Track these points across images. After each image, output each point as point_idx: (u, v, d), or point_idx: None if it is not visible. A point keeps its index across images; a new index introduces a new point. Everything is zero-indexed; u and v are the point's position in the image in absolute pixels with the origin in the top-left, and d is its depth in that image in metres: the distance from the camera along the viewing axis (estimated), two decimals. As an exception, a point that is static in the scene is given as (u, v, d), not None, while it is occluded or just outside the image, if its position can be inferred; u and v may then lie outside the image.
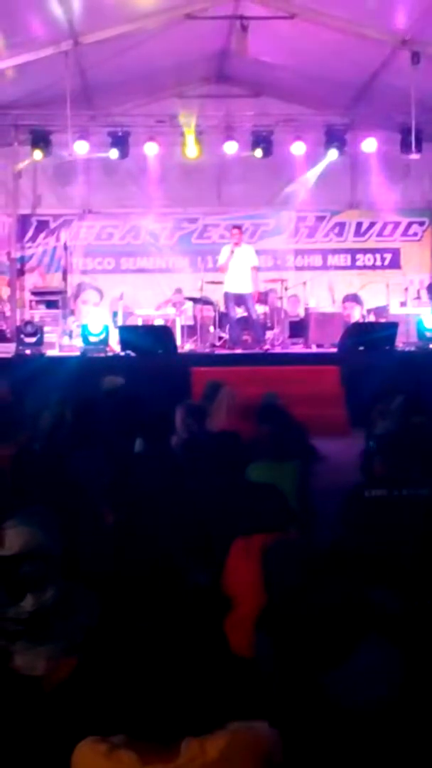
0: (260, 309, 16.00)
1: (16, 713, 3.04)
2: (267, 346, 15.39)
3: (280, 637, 3.64)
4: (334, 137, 17.48)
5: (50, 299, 16.83)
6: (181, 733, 2.43)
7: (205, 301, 16.26)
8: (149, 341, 14.27)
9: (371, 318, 16.87)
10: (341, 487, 6.10)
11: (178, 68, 16.29)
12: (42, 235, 18.56)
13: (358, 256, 18.99)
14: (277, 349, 15.41)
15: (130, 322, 16.74)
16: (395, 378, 10.91)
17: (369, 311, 17.34)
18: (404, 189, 18.24)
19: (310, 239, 18.97)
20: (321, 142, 17.58)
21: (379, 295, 17.54)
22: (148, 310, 17.19)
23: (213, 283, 16.11)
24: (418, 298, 17.66)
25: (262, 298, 16.25)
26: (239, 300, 15.21)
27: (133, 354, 14.22)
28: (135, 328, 15.94)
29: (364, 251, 18.99)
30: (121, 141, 17.23)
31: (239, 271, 15.03)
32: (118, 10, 13.17)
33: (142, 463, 6.23)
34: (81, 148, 16.69)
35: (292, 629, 3.30)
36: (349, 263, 19.00)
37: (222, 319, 15.95)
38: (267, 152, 17.40)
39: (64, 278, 17.77)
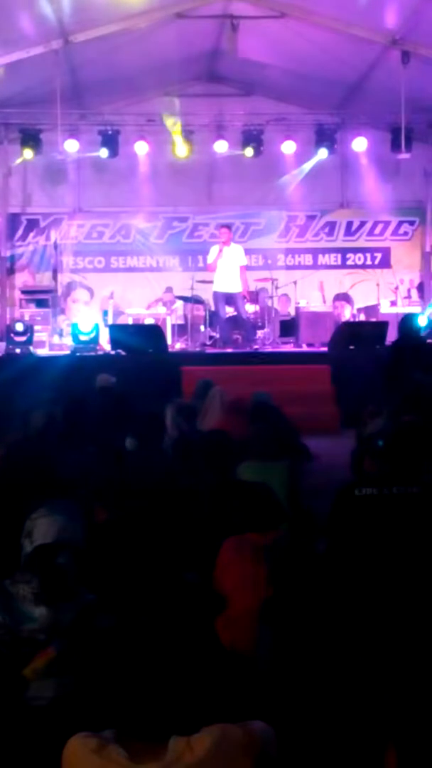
0: (251, 308, 16.00)
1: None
2: (257, 346, 15.40)
3: (281, 629, 3.65)
4: (325, 136, 17.50)
5: (40, 298, 16.81)
6: (170, 730, 2.44)
7: (196, 300, 16.26)
8: (140, 340, 14.26)
9: (361, 317, 16.89)
10: (332, 486, 6.12)
11: (169, 67, 16.28)
12: (32, 234, 18.53)
13: (349, 255, 19.01)
14: (268, 349, 15.41)
15: (121, 321, 16.74)
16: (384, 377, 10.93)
17: (359, 310, 17.37)
18: (394, 188, 18.26)
19: (301, 238, 18.98)
20: (311, 141, 17.61)
21: (370, 295, 17.56)
22: (139, 309, 17.19)
23: (204, 282, 16.10)
24: (408, 297, 17.70)
25: (253, 297, 16.25)
26: (229, 299, 15.20)
27: (123, 353, 14.21)
28: (125, 327, 15.93)
29: (355, 250, 19.01)
30: (111, 140, 17.22)
31: (228, 271, 15.02)
32: (109, 8, 13.15)
33: (133, 461, 6.23)
34: (71, 146, 16.68)
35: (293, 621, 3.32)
36: (339, 262, 19.01)
37: (212, 319, 15.94)
38: (257, 151, 17.41)
39: (54, 277, 17.76)
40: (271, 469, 6.06)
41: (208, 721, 2.51)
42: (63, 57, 14.03)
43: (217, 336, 15.72)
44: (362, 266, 18.94)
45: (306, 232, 18.98)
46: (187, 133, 17.27)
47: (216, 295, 15.27)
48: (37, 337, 15.29)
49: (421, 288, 17.94)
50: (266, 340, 15.97)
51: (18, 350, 14.50)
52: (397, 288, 17.53)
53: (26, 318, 15.97)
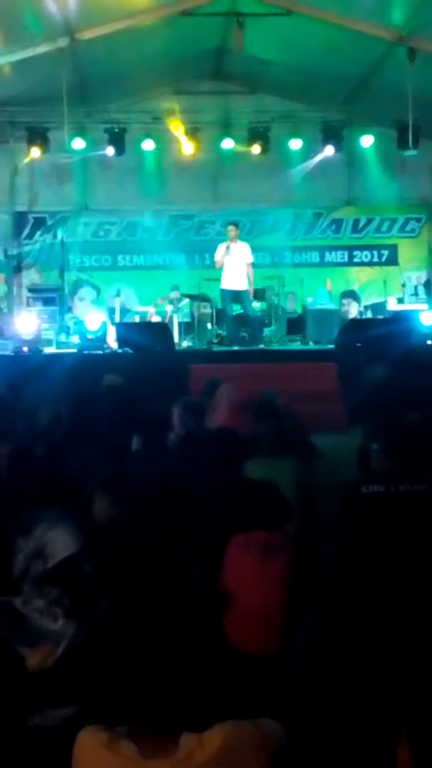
0: (258, 306, 15.99)
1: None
2: (264, 344, 15.38)
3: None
4: (331, 133, 17.48)
5: (47, 296, 16.81)
6: (181, 727, 2.44)
7: (203, 298, 16.25)
8: (147, 338, 14.24)
9: (369, 314, 16.87)
10: (339, 484, 6.11)
11: (175, 65, 16.28)
12: (39, 233, 18.54)
13: (356, 252, 18.99)
14: (275, 346, 15.40)
15: (128, 319, 16.74)
16: (393, 374, 10.92)
17: (366, 307, 17.35)
18: (401, 185, 18.23)
19: (308, 236, 18.96)
20: (318, 138, 17.60)
21: (377, 292, 17.54)
22: (146, 307, 17.18)
23: (210, 280, 16.10)
24: (416, 294, 17.68)
25: (260, 294, 16.24)
26: (236, 297, 15.20)
27: (130, 351, 14.20)
28: (132, 325, 15.93)
29: (362, 248, 19.00)
30: (117, 138, 17.22)
31: (235, 268, 15.02)
32: (114, 6, 13.15)
33: (140, 460, 6.23)
34: (78, 144, 16.68)
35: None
36: (346, 260, 19.00)
37: (219, 316, 15.93)
38: (264, 148, 17.40)
39: (61, 275, 17.75)
40: (279, 466, 6.06)
41: (218, 719, 2.51)
42: (69, 55, 14.02)
43: (224, 334, 15.71)
44: (369, 263, 18.93)
45: (313, 230, 18.97)
46: (194, 131, 17.26)
47: (223, 292, 15.26)
48: (44, 335, 15.28)
49: (428, 285, 17.89)
50: (273, 337, 15.96)
51: (25, 348, 14.49)
52: (404, 285, 17.50)
53: (33, 316, 15.94)
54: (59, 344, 15.55)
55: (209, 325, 16.12)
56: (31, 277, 18.34)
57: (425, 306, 15.99)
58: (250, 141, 17.40)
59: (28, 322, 15.11)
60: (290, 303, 17.20)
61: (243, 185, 17.98)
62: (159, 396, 8.64)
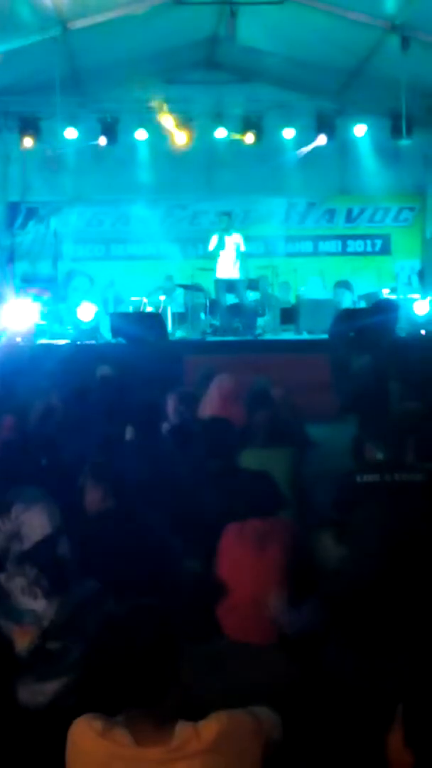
0: (251, 295, 15.97)
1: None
2: (257, 333, 15.37)
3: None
4: (325, 123, 17.45)
5: (40, 287, 16.75)
6: (176, 716, 2.44)
7: (196, 288, 16.23)
8: (140, 328, 14.22)
9: (362, 304, 16.86)
10: (333, 473, 6.12)
11: (168, 54, 16.20)
12: (31, 222, 18.49)
13: (349, 242, 18.98)
14: (268, 336, 15.39)
15: (121, 309, 16.71)
16: (387, 364, 10.93)
17: (360, 297, 17.33)
18: (395, 174, 18.18)
19: (301, 225, 18.95)
20: (311, 127, 17.54)
21: (370, 281, 17.54)
22: (139, 297, 17.16)
23: (204, 270, 16.08)
24: (409, 283, 17.68)
25: (253, 284, 16.22)
26: (230, 287, 15.19)
27: (124, 341, 14.19)
28: (126, 315, 15.90)
29: (355, 237, 18.99)
30: (110, 127, 17.17)
31: (229, 258, 15.00)
32: (107, -5, 13.11)
33: (133, 450, 6.22)
34: (70, 134, 16.63)
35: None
36: (339, 249, 18.99)
37: (213, 306, 15.92)
38: (257, 138, 17.36)
39: (54, 265, 17.70)
40: (273, 456, 6.06)
41: (212, 707, 2.52)
42: (61, 44, 13.95)
43: (218, 324, 15.69)
44: (362, 253, 18.92)
45: (306, 219, 18.95)
46: (187, 120, 17.21)
47: (218, 282, 15.25)
48: (37, 325, 15.24)
49: (421, 274, 17.90)
50: (266, 327, 15.95)
51: (18, 338, 14.46)
52: (397, 275, 17.50)
53: (26, 306, 15.89)
54: (52, 335, 15.52)
55: (203, 315, 16.10)
56: (24, 267, 18.28)
57: (419, 296, 15.99)
58: (244, 130, 17.35)
59: (20, 313, 15.07)
60: (284, 292, 17.18)
61: (236, 175, 17.92)
62: (152, 386, 8.63)
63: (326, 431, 9.22)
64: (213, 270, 15.31)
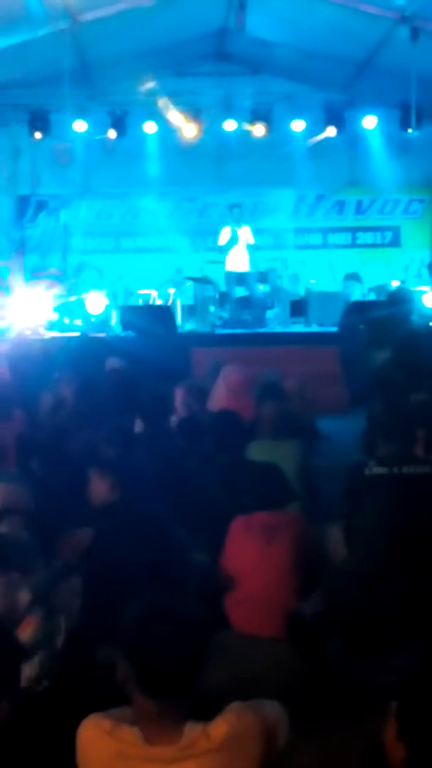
0: (261, 288, 15.96)
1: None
2: (267, 326, 15.35)
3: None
4: (334, 114, 17.40)
5: (50, 280, 16.77)
6: (185, 713, 2.44)
7: (206, 281, 16.22)
8: (149, 321, 14.23)
9: (372, 296, 16.82)
10: (342, 466, 6.11)
11: (177, 46, 16.19)
12: (41, 216, 18.51)
13: (359, 234, 18.95)
14: (278, 329, 15.38)
15: (130, 302, 16.72)
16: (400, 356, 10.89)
17: (369, 289, 17.30)
18: (404, 166, 18.13)
19: (311, 218, 18.92)
20: (320, 119, 17.50)
21: (380, 273, 17.50)
22: (148, 290, 17.16)
23: (213, 262, 16.07)
24: (419, 275, 17.63)
25: (262, 277, 16.20)
26: (240, 279, 15.18)
27: (133, 334, 14.19)
28: (135, 308, 15.90)
29: (365, 229, 18.95)
30: (119, 120, 17.16)
31: (239, 251, 15.00)
32: (116, -13, 13.09)
33: (142, 442, 6.23)
34: (80, 127, 16.63)
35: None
36: (349, 241, 18.96)
37: (222, 299, 15.91)
38: (266, 130, 17.33)
39: (64, 258, 17.71)
40: (282, 448, 6.06)
41: (218, 699, 2.52)
42: (70, 37, 13.94)
43: (227, 316, 15.69)
44: (372, 245, 18.88)
45: (315, 211, 18.92)
46: (196, 113, 17.19)
47: (228, 275, 15.23)
48: (47, 318, 15.27)
49: (431, 266, 17.85)
50: (276, 320, 15.94)
51: (28, 331, 14.48)
52: (407, 267, 17.46)
53: (36, 299, 15.91)
54: (62, 327, 15.54)
55: (212, 308, 16.09)
56: (33, 260, 18.29)
57: (428, 288, 15.94)
58: (253, 122, 17.32)
59: (30, 305, 15.10)
60: (293, 285, 17.16)
61: (246, 167, 17.89)
62: (161, 379, 8.64)
63: (336, 424, 9.22)
64: (222, 263, 15.30)
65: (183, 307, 16.26)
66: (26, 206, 18.49)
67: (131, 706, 2.50)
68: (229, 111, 17.38)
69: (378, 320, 12.97)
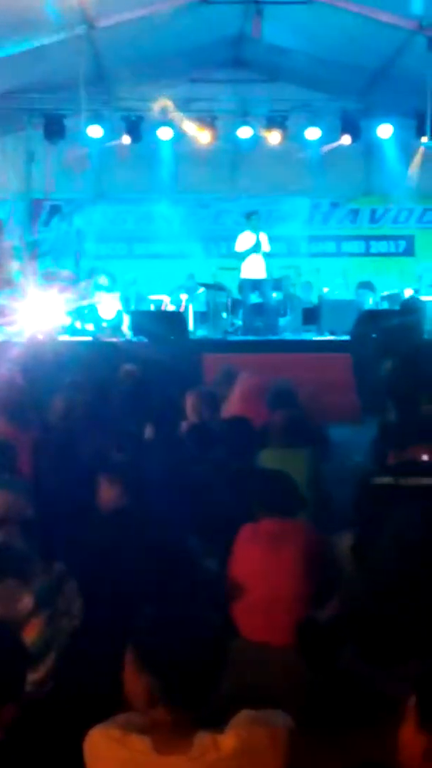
0: (275, 296, 15.95)
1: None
2: (279, 333, 15.32)
3: None
4: (349, 123, 17.41)
5: (62, 284, 16.79)
6: (197, 721, 2.42)
7: (219, 287, 16.22)
8: (161, 327, 14.23)
9: (384, 305, 16.80)
10: (352, 475, 6.09)
11: (193, 53, 16.22)
12: (55, 220, 18.57)
13: (372, 242, 18.94)
14: (290, 336, 15.36)
15: (143, 307, 16.73)
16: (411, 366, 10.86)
17: (382, 298, 17.27)
18: (419, 175, 18.11)
19: (324, 226, 18.92)
20: (336, 127, 17.51)
21: (393, 282, 17.48)
22: (161, 296, 17.17)
23: (226, 269, 16.09)
24: (432, 285, 17.60)
25: (276, 284, 16.20)
26: (256, 286, 15.16)
27: (145, 339, 14.20)
28: (147, 313, 15.93)
29: (378, 238, 18.94)
30: (134, 126, 17.20)
31: (256, 258, 15.00)
32: (133, -7, 13.12)
33: (153, 448, 6.22)
34: (94, 132, 16.66)
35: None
36: (363, 250, 18.95)
37: (234, 306, 15.91)
38: (282, 137, 17.33)
39: (77, 263, 17.74)
40: (292, 456, 6.04)
41: (230, 710, 2.50)
42: (86, 42, 13.98)
43: (239, 323, 15.68)
44: (386, 254, 18.86)
45: (330, 219, 18.92)
46: (211, 119, 17.22)
47: (243, 282, 15.22)
48: (59, 322, 15.29)
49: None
50: (288, 327, 15.92)
51: (40, 336, 14.49)
52: (421, 276, 17.44)
53: (48, 304, 15.93)
54: (74, 332, 15.56)
55: (224, 315, 16.09)
56: (46, 264, 18.32)
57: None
58: (268, 129, 17.33)
59: (42, 309, 15.11)
60: (306, 292, 17.15)
61: (260, 174, 17.92)
62: (172, 385, 8.63)
63: (348, 432, 9.20)
64: (236, 269, 15.31)
65: (195, 314, 16.27)
66: (40, 210, 18.56)
67: (136, 712, 2.48)
68: (244, 118, 17.40)
69: (388, 329, 12.96)
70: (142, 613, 2.53)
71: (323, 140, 17.67)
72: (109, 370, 9.98)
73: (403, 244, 18.91)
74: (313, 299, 17.00)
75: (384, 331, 12.83)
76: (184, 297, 16.69)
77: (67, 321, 15.67)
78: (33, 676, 3.29)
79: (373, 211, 18.92)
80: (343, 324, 15.09)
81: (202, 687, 2.42)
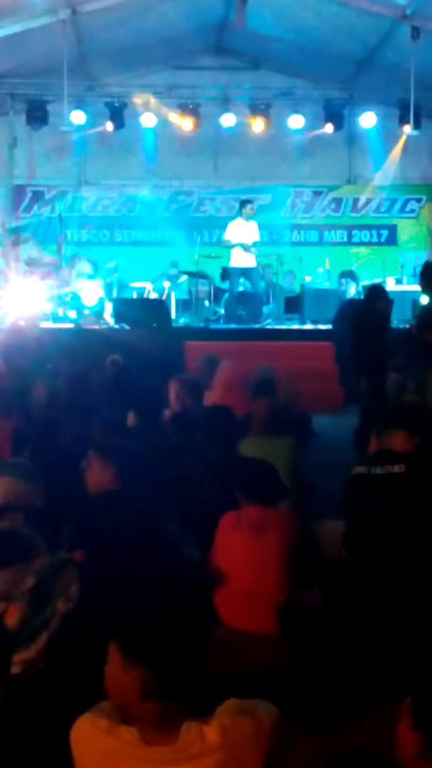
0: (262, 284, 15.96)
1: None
2: (261, 322, 15.31)
3: None
4: (333, 111, 17.41)
5: (44, 270, 16.75)
6: (185, 712, 2.42)
7: (201, 275, 16.20)
8: (144, 314, 14.24)
9: (366, 294, 16.80)
10: (334, 463, 6.11)
11: (176, 39, 16.16)
12: (37, 206, 18.47)
13: (355, 231, 18.94)
14: (272, 325, 15.36)
15: (125, 294, 16.70)
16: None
17: (364, 288, 17.28)
18: (402, 165, 18.15)
19: (307, 214, 18.90)
20: (319, 116, 17.51)
21: (375, 272, 17.50)
22: (143, 283, 17.14)
23: (208, 257, 16.07)
24: (414, 275, 17.62)
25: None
26: (244, 274, 15.13)
27: (127, 327, 14.18)
28: (129, 300, 15.90)
29: (361, 227, 18.94)
30: (117, 112, 17.14)
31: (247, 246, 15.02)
32: (117, -21, 13.05)
33: (135, 435, 6.22)
34: (77, 118, 16.58)
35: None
36: (345, 239, 18.95)
37: (217, 294, 15.91)
38: (265, 125, 17.30)
39: (59, 250, 17.69)
40: (274, 444, 6.05)
41: (215, 699, 2.50)
42: (70, 27, 13.91)
43: (222, 312, 15.67)
44: (368, 243, 18.88)
45: (312, 208, 18.91)
46: (194, 106, 17.18)
47: (232, 270, 15.18)
48: (40, 309, 15.25)
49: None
50: (271, 316, 15.93)
51: (22, 323, 14.45)
52: (403, 266, 17.46)
53: (30, 290, 15.89)
54: (56, 318, 15.52)
55: (206, 303, 16.08)
56: (28, 250, 18.26)
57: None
58: (251, 117, 17.30)
59: (24, 296, 15.07)
60: (288, 282, 17.16)
61: (243, 162, 17.89)
62: (154, 372, 8.63)
63: (328, 421, 9.24)
64: (218, 258, 15.29)
65: (177, 301, 16.25)
66: (22, 196, 18.45)
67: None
68: (227, 105, 17.35)
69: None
70: (122, 608, 2.51)
71: (306, 128, 17.64)
72: (92, 357, 9.97)
73: (385, 233, 18.92)
74: (296, 288, 17.01)
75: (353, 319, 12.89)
76: (166, 284, 16.67)
77: (49, 308, 15.62)
78: (24, 656, 3.30)
79: (356, 200, 18.92)
80: (326, 313, 15.12)
81: (191, 677, 2.42)
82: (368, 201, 18.87)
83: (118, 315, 14.53)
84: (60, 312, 15.82)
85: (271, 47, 16.32)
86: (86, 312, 15.25)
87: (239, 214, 15.32)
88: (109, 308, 15.35)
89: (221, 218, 15.29)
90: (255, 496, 4.62)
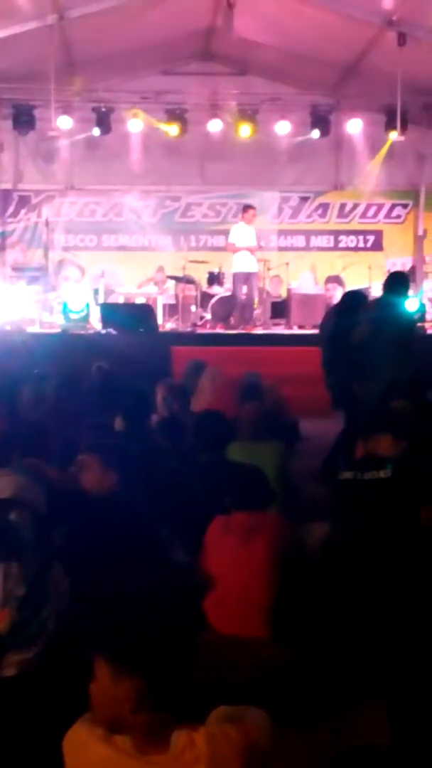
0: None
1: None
2: (248, 327, 15.32)
3: None
4: (319, 117, 17.46)
5: (31, 275, 16.71)
6: (170, 718, 2.42)
7: (188, 280, 16.20)
8: (130, 319, 14.23)
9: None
10: (320, 468, 6.12)
11: (164, 45, 16.17)
12: (23, 211, 18.44)
13: (341, 237, 18.98)
14: (259, 330, 15.37)
15: (112, 299, 16.69)
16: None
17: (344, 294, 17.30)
18: (388, 171, 18.20)
19: (294, 220, 18.94)
20: (306, 122, 17.55)
21: (361, 277, 17.53)
22: (130, 288, 17.13)
23: (195, 262, 16.07)
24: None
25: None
26: (246, 279, 15.13)
27: (114, 332, 14.17)
28: (116, 305, 15.89)
29: (347, 233, 18.98)
30: (104, 117, 17.14)
31: (248, 251, 15.04)
32: (104, -16, 13.05)
33: (122, 440, 6.21)
34: (64, 123, 16.58)
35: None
36: (332, 244, 18.98)
37: (203, 299, 15.91)
38: (252, 131, 17.33)
39: (46, 254, 17.65)
40: (262, 449, 6.07)
41: (205, 705, 2.50)
42: (57, 32, 13.90)
43: (208, 316, 15.67)
44: (354, 248, 18.92)
45: (299, 214, 18.94)
46: (181, 112, 17.20)
47: (236, 275, 15.16)
48: (27, 314, 15.23)
49: (412, 272, 17.90)
50: (257, 321, 15.94)
51: (8, 327, 14.43)
52: (389, 271, 17.49)
53: (17, 295, 15.86)
54: (42, 324, 15.50)
55: (193, 308, 16.09)
56: (15, 255, 18.24)
57: (410, 293, 15.96)
58: (238, 123, 17.33)
59: (10, 301, 15.06)
60: (275, 287, 17.18)
61: (230, 167, 17.89)
62: (141, 377, 8.63)
63: (315, 426, 9.25)
64: (205, 262, 15.31)
65: (164, 306, 16.25)
66: (9, 201, 18.42)
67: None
68: (214, 111, 17.38)
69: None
70: (110, 620, 2.49)
71: (293, 134, 17.68)
72: (78, 363, 9.96)
73: (371, 239, 18.97)
74: (282, 293, 17.03)
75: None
76: (153, 290, 16.66)
77: (35, 313, 15.59)
78: (22, 657, 3.30)
79: (343, 206, 18.96)
80: (312, 318, 15.14)
81: (183, 685, 2.41)
82: (355, 206, 18.92)
83: (104, 320, 14.51)
84: (46, 317, 15.79)
85: (258, 53, 16.35)
86: (73, 317, 15.23)
87: (242, 219, 15.34)
88: (95, 313, 15.33)
89: (208, 224, 15.29)
90: (244, 501, 4.63)
